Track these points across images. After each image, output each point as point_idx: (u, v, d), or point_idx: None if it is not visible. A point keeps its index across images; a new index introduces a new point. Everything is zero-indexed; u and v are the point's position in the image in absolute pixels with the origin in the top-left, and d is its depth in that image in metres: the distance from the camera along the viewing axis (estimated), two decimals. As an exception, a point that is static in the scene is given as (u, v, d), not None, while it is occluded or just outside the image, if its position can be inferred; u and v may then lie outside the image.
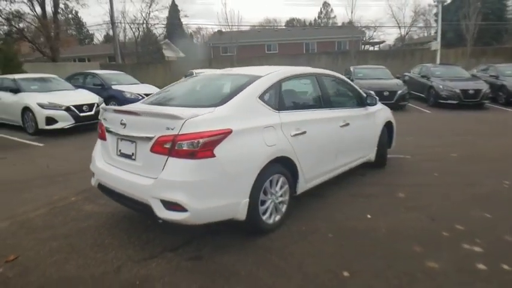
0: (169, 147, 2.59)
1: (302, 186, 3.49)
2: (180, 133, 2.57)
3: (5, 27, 17.75)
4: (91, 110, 8.25)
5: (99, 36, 51.96)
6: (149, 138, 2.72)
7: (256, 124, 2.91)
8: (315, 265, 2.64)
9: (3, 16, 17.47)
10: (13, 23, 18.01)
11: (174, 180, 2.57)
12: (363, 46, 36.05)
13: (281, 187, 3.21)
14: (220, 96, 3.04)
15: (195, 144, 2.55)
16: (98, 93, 9.65)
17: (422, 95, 12.19)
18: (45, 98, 8.06)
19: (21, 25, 18.73)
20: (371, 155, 4.81)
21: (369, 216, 3.50)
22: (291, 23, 59.54)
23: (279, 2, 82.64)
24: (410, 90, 13.14)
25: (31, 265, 2.76)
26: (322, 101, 3.86)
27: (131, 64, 24.42)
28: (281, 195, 3.23)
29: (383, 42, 40.40)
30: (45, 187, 4.66)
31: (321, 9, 57.98)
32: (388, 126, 5.24)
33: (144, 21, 28.17)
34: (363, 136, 4.51)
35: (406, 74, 14.02)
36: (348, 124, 4.07)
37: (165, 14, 36.60)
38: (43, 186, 4.72)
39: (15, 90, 8.40)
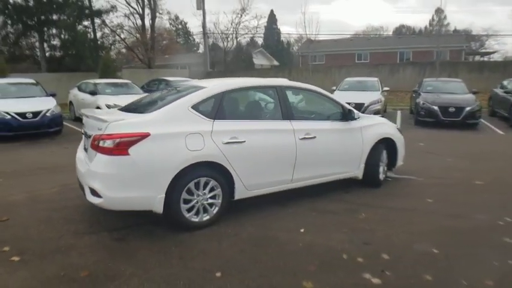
0: (97, 144, 3.19)
1: (242, 193, 3.71)
2: (104, 133, 3.15)
3: (110, 38, 21.44)
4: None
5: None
6: (90, 136, 3.37)
7: (179, 130, 3.30)
8: (201, 262, 2.89)
9: (111, 28, 21.14)
10: (117, 33, 21.61)
11: (95, 171, 3.16)
12: (472, 57, 31.99)
13: (211, 190, 3.51)
14: (159, 105, 3.53)
15: (112, 143, 3.09)
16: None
17: (506, 114, 10.54)
18: (114, 100, 9.66)
19: (122, 36, 22.32)
20: (356, 172, 4.66)
21: (302, 230, 3.52)
22: (399, 30, 56.19)
23: (387, 9, 78.87)
24: (495, 107, 11.52)
25: (12, 225, 3.67)
26: (281, 113, 3.99)
27: (218, 71, 26.58)
28: (212, 198, 3.53)
29: (494, 52, 34.94)
30: (73, 172, 5.77)
31: (433, 16, 53.13)
32: (388, 143, 4.98)
33: (234, 31, 30.34)
34: (340, 151, 4.42)
35: (494, 89, 12.26)
36: (313, 137, 4.11)
37: (253, 23, 38.43)
38: (72, 171, 5.85)
39: (93, 93, 10.30)
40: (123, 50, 27.47)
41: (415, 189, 4.93)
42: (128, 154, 3.09)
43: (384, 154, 4.96)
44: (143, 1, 21.30)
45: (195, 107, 3.48)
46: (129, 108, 3.86)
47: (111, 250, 3.13)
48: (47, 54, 19.43)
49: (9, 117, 8.00)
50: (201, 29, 25.02)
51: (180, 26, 54.28)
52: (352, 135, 4.52)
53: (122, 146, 3.08)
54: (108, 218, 3.75)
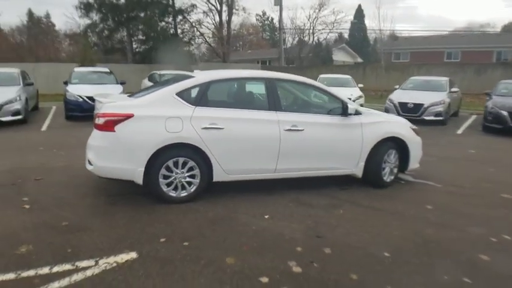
0: (95, 121, 3.81)
1: (221, 176, 4.01)
2: (99, 112, 3.75)
3: (189, 33, 23.24)
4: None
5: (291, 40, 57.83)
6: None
7: (160, 113, 3.73)
8: (157, 228, 3.30)
9: (192, 23, 22.94)
10: (197, 28, 23.35)
11: (91, 143, 3.80)
12: None
13: (190, 169, 3.89)
14: (152, 91, 4.02)
15: (103, 120, 3.67)
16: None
17: None
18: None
19: (202, 31, 23.99)
20: (355, 170, 4.58)
21: (266, 216, 3.69)
22: (508, 27, 49.38)
23: (498, 4, 69.46)
24: None
25: (41, 183, 4.58)
26: (268, 104, 4.17)
27: (292, 67, 26.75)
28: (190, 177, 3.91)
29: None
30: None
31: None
32: (399, 144, 4.75)
33: (311, 27, 30.09)
34: (334, 146, 4.39)
35: None
36: (301, 129, 4.19)
37: (330, 19, 36.59)
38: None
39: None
40: (212, 45, 29.22)
41: (422, 194, 4.63)
42: (114, 131, 3.64)
43: (392, 155, 4.74)
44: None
45: (180, 94, 3.88)
46: (133, 94, 4.45)
47: (98, 210, 3.74)
48: (134, 47, 21.95)
49: (81, 100, 9.50)
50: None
51: (267, 22, 55.54)
52: (350, 131, 4.45)
53: (110, 123, 3.64)
54: (112, 187, 4.38)
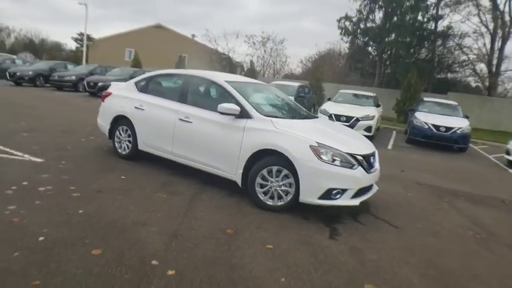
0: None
1: (142, 146, 5.35)
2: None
3: (448, 58, 19.86)
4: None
5: None
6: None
7: (121, 94, 5.58)
8: (72, 157, 5.23)
9: (459, 45, 19.66)
10: (458, 53, 19.71)
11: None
12: None
13: (129, 136, 5.46)
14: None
15: (103, 95, 5.94)
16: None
17: None
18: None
19: (464, 57, 19.93)
20: (234, 177, 4.38)
21: (122, 177, 4.69)
22: None
23: None
24: None
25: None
26: (178, 96, 4.96)
27: None
28: (128, 142, 5.48)
29: None
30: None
31: None
32: (288, 162, 3.94)
33: None
34: (215, 145, 4.46)
35: None
36: (190, 122, 4.67)
37: None
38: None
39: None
40: (478, 74, 23.40)
41: (275, 228, 3.67)
42: (103, 102, 5.86)
43: (281, 174, 4.04)
44: (499, 20, 17.69)
45: (136, 83, 5.57)
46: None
47: (89, 145, 6.10)
48: (382, 71, 21.90)
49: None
50: None
51: None
52: (230, 133, 4.36)
53: (104, 97, 5.92)
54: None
